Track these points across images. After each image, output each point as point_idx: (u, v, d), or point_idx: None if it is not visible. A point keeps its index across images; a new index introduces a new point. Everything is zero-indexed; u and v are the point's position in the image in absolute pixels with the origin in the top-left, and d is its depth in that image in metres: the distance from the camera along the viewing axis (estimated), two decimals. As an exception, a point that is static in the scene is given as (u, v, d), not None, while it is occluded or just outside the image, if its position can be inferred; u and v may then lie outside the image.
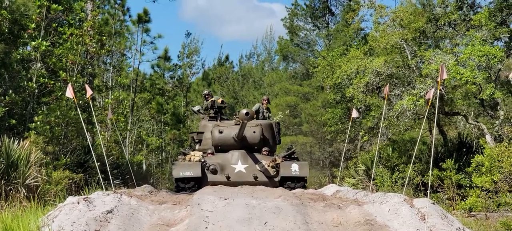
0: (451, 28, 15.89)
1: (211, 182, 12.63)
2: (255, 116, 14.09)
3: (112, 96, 23.30)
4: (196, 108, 15.90)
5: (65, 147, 15.26)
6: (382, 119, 13.72)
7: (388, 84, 13.55)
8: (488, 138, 14.36)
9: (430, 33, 16.00)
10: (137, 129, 28.78)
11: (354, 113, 14.17)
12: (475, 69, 13.24)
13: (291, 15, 30.48)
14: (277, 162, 13.14)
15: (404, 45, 15.63)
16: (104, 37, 19.95)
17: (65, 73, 15.91)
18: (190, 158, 13.16)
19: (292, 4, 30.60)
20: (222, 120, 14.75)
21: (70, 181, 13.19)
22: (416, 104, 14.12)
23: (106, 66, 26.46)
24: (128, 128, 25.16)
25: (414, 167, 14.62)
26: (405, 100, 14.31)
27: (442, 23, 15.55)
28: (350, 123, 15.83)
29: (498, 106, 14.92)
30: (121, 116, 21.70)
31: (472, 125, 16.33)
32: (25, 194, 11.01)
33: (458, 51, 14.45)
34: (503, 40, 15.02)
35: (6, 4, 15.38)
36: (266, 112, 15.20)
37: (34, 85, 15.02)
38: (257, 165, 13.15)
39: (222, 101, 15.42)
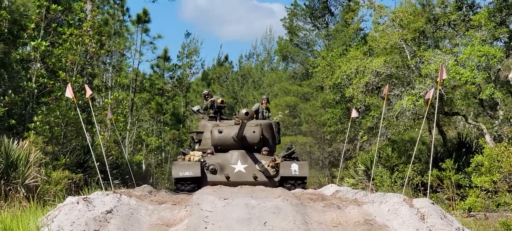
0: (450, 28, 15.90)
1: (210, 182, 12.61)
2: (254, 115, 14.07)
3: (112, 97, 23.31)
4: (195, 108, 15.88)
5: (64, 147, 15.26)
6: (382, 119, 13.73)
7: (387, 84, 13.56)
8: (487, 138, 14.37)
9: (429, 33, 16.01)
10: (137, 129, 28.78)
11: (354, 114, 14.16)
12: (474, 70, 13.25)
13: (291, 15, 30.49)
14: (277, 161, 13.12)
15: (404, 45, 15.63)
16: (104, 37, 19.97)
17: (64, 73, 15.91)
18: (190, 158, 13.15)
19: (292, 4, 30.65)
20: (221, 119, 14.73)
21: (69, 181, 13.19)
22: (416, 104, 14.13)
23: (106, 66, 26.47)
24: (128, 128, 25.16)
25: (414, 167, 14.62)
26: (405, 100, 14.32)
27: (442, 23, 15.55)
28: (349, 123, 15.83)
29: (498, 107, 14.92)
30: (120, 116, 21.71)
31: (471, 125, 16.34)
32: (25, 194, 11.01)
33: (458, 51, 14.46)
34: (502, 41, 15.03)
35: (6, 4, 15.37)
36: (266, 112, 15.18)
37: (34, 85, 15.02)
38: (256, 165, 13.13)
39: (222, 101, 15.40)
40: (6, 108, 13.88)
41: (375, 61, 15.79)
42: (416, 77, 14.88)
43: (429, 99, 9.85)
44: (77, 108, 11.97)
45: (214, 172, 12.92)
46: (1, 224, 7.10)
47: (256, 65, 40.80)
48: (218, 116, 14.77)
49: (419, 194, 14.10)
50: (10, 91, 14.22)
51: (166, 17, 72.16)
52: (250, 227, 7.23)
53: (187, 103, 33.57)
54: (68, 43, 16.25)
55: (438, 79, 9.32)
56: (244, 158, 13.26)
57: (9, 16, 14.91)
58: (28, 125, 14.24)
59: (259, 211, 7.94)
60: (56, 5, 15.91)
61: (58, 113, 14.77)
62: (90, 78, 18.99)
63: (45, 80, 15.33)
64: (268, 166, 13.08)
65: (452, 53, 14.44)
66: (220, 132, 13.72)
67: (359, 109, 17.23)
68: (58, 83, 15.75)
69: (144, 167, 26.76)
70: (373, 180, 14.70)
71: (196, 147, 14.44)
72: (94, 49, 17.87)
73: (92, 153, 11.60)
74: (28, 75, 15.47)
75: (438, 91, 9.57)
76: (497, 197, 11.93)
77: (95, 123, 15.92)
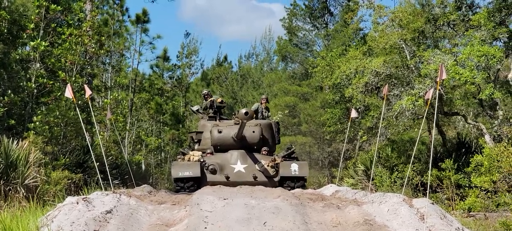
0: (450, 28, 15.91)
1: (210, 182, 12.61)
2: (254, 115, 14.06)
3: (111, 97, 23.32)
4: (195, 108, 15.87)
5: (64, 147, 15.26)
6: (381, 119, 13.73)
7: (387, 85, 13.55)
8: (487, 138, 14.37)
9: (429, 33, 16.01)
10: (136, 129, 28.77)
11: (353, 114, 14.16)
12: (474, 70, 13.25)
13: (290, 15, 30.47)
14: (276, 161, 13.11)
15: (403, 45, 15.64)
16: (103, 38, 19.98)
17: (64, 73, 15.91)
18: (189, 158, 13.14)
19: (291, 4, 30.63)
20: (221, 119, 14.73)
21: (69, 181, 13.19)
22: (415, 104, 14.14)
23: (105, 66, 26.45)
24: (127, 128, 25.17)
25: (413, 167, 14.62)
26: (404, 100, 14.32)
27: (441, 23, 15.56)
28: (349, 123, 15.82)
29: (497, 107, 14.92)
30: (120, 116, 21.73)
31: (471, 125, 16.34)
32: (24, 194, 11.01)
33: (457, 51, 14.47)
34: (502, 41, 15.03)
35: (5, 4, 15.37)
36: (265, 112, 15.17)
37: (33, 85, 15.01)
38: (256, 165, 13.13)
39: (221, 101, 15.39)
40: (6, 109, 13.87)
41: (375, 61, 15.79)
42: (415, 77, 14.88)
43: (428, 99, 9.85)
44: (77, 108, 11.97)
45: (213, 172, 12.92)
46: (1, 224, 7.10)
47: (256, 65, 40.81)
48: (217, 115, 14.77)
49: (418, 194, 14.10)
50: (9, 91, 14.22)
51: (165, 17, 72.20)
52: (249, 227, 7.23)
53: (186, 103, 33.56)
54: (67, 43, 16.25)
55: (438, 79, 9.32)
56: (243, 158, 13.25)
57: (8, 16, 14.91)
58: (28, 125, 14.23)
59: (259, 211, 7.94)
60: (55, 5, 15.91)
61: (57, 113, 14.76)
62: (89, 78, 19.00)
63: (45, 80, 15.33)
64: (268, 166, 13.07)
65: (452, 53, 14.45)
66: (220, 132, 13.72)
67: (359, 110, 17.23)
68: (58, 84, 15.75)
69: (143, 167, 26.75)
70: (372, 180, 14.69)
71: (196, 147, 14.43)
72: (93, 49, 17.88)
73: (92, 153, 11.59)
74: (28, 76, 15.46)
75: (437, 91, 9.57)
76: (496, 197, 11.93)
77: (95, 123, 15.91)
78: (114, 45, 26.33)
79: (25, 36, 15.48)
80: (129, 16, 28.28)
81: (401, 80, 15.67)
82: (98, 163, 11.91)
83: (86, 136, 13.10)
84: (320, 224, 7.70)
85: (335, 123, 21.25)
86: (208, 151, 13.56)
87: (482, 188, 12.17)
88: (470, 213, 11.87)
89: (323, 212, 8.36)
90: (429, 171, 9.46)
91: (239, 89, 37.33)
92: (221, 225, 7.28)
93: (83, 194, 9.37)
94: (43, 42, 15.23)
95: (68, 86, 10.48)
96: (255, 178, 12.92)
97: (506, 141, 13.12)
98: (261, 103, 15.27)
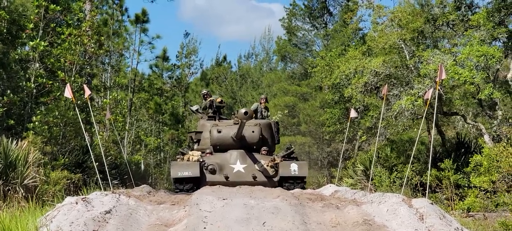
0: (449, 28, 15.92)
1: (209, 182, 12.60)
2: (253, 115, 14.05)
3: (110, 97, 23.30)
4: (194, 108, 15.86)
5: (63, 147, 15.25)
6: (381, 119, 13.73)
7: (386, 85, 13.56)
8: (486, 138, 14.38)
9: (428, 33, 16.02)
10: (135, 129, 28.76)
11: (353, 114, 14.16)
12: (473, 70, 13.26)
13: (290, 15, 30.47)
14: (276, 161, 13.09)
15: (403, 45, 15.64)
16: (103, 37, 19.99)
17: (63, 73, 15.91)
18: (189, 158, 13.12)
19: (291, 4, 30.62)
20: (220, 119, 14.72)
21: (68, 181, 13.19)
22: (415, 104, 14.14)
23: (104, 66, 26.45)
24: (126, 128, 25.18)
25: (413, 167, 14.62)
26: (404, 100, 14.33)
27: (441, 23, 15.57)
28: (348, 123, 15.82)
29: (497, 107, 14.93)
30: (119, 116, 21.73)
31: (470, 125, 16.35)
32: (23, 194, 11.00)
33: (457, 51, 14.47)
34: (501, 41, 15.04)
35: (4, 4, 15.36)
36: (265, 112, 15.16)
37: (32, 85, 15.01)
38: (256, 165, 13.11)
39: (221, 101, 15.38)
40: (5, 109, 13.87)
41: (374, 61, 15.79)
42: (415, 77, 14.88)
43: (428, 99, 9.85)
44: (76, 108, 11.98)
45: (213, 172, 12.91)
46: (0, 225, 7.09)
47: (255, 65, 40.83)
48: (217, 115, 14.76)
49: (418, 194, 14.11)
50: (8, 91, 14.21)
51: (165, 17, 72.16)
52: (249, 227, 7.23)
53: (186, 103, 33.56)
54: (67, 43, 16.24)
55: (437, 79, 9.33)
56: (243, 157, 13.23)
57: (8, 16, 14.90)
58: (27, 125, 14.23)
59: (258, 211, 7.94)
60: (55, 5, 15.91)
61: (57, 113, 14.76)
62: (89, 78, 19.00)
63: (44, 80, 15.32)
64: (267, 165, 13.05)
65: (451, 53, 14.45)
66: (219, 132, 13.70)
67: (358, 109, 17.22)
68: (57, 83, 15.74)
69: (143, 167, 26.74)
70: (372, 180, 14.69)
71: (195, 146, 14.42)
72: (93, 49, 17.88)
73: (91, 153, 11.58)
74: (27, 75, 15.46)
75: (437, 91, 9.58)
76: (496, 197, 11.93)
77: (94, 123, 15.90)
78: (114, 45, 26.33)
79: (25, 36, 15.48)
80: (128, 16, 28.32)
81: (401, 80, 15.67)
82: (97, 163, 11.89)
83: (85, 136, 13.11)
84: (319, 224, 7.70)
85: (335, 123, 21.26)
86: (208, 151, 13.54)
87: (481, 188, 12.17)
88: (469, 213, 11.88)
89: (322, 212, 8.36)
90: (429, 171, 9.48)
91: (239, 89, 37.34)
92: (221, 225, 7.28)
93: (82, 194, 9.37)
94: (43, 42, 15.23)
95: (68, 86, 10.48)
96: (254, 178, 12.90)
97: (505, 141, 13.12)
98: (261, 103, 15.26)
